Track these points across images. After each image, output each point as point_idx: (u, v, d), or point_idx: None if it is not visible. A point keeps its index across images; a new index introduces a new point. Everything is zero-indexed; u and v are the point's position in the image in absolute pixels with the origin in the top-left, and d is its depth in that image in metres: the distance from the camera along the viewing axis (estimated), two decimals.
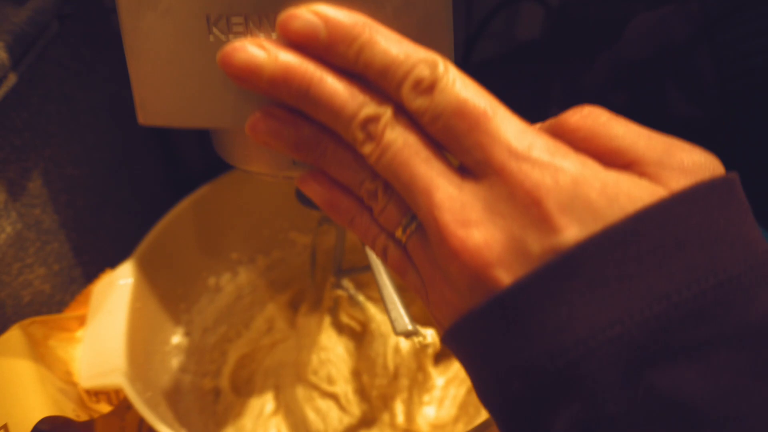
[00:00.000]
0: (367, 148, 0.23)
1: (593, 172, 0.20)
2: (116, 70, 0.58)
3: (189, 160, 0.68)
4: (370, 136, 0.22)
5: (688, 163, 0.21)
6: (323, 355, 0.53)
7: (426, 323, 0.47)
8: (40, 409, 0.35)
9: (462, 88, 0.21)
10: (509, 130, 0.21)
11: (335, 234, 0.46)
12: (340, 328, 0.52)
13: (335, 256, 0.46)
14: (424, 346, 0.41)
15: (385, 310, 0.37)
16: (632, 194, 0.20)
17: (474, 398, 0.49)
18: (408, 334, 0.37)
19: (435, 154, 0.22)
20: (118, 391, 0.41)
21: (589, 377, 0.19)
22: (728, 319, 0.19)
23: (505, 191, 0.20)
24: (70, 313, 0.45)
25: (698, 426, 0.18)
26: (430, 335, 0.40)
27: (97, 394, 0.41)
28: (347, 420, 0.50)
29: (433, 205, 0.21)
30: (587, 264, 0.19)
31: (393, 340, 0.48)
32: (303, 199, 0.38)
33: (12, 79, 0.40)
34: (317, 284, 0.53)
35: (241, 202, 0.53)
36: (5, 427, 0.34)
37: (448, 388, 0.50)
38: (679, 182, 0.20)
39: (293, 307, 0.57)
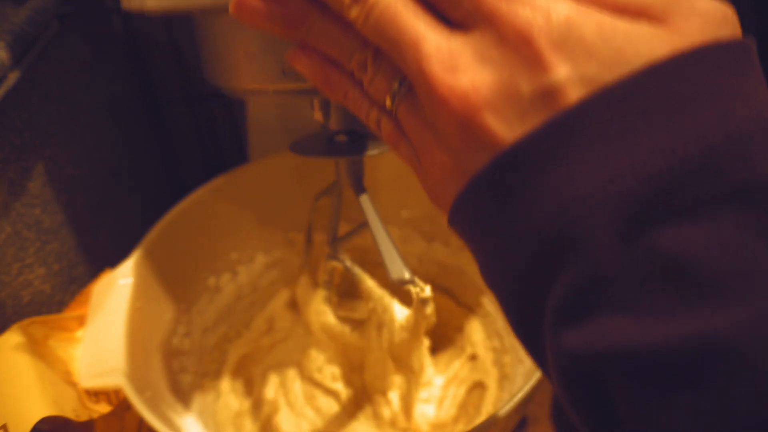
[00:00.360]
0: (354, 11, 0.22)
1: (588, 12, 0.19)
2: (116, 70, 0.58)
3: (189, 160, 0.68)
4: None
5: (699, 7, 0.20)
6: (323, 352, 0.53)
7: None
8: (39, 409, 0.35)
9: None
10: None
11: (331, 211, 0.46)
12: (340, 318, 0.52)
13: (330, 225, 0.45)
14: (422, 301, 0.40)
15: (382, 259, 0.36)
16: (630, 34, 0.19)
17: (474, 398, 0.49)
18: (404, 282, 0.36)
19: (422, 8, 0.22)
20: (117, 391, 0.41)
21: (587, 237, 0.18)
22: (737, 177, 0.18)
23: (495, 35, 0.20)
24: (69, 313, 0.45)
25: (700, 286, 0.17)
26: (428, 289, 0.40)
27: (96, 394, 0.41)
28: (348, 418, 0.50)
29: (421, 57, 0.21)
30: (590, 120, 0.18)
31: (390, 317, 0.47)
32: (296, 148, 0.37)
33: (12, 79, 0.40)
34: (313, 261, 0.52)
35: (241, 202, 0.53)
36: (5, 427, 0.34)
37: (448, 387, 0.50)
38: (687, 22, 0.19)
39: (293, 306, 0.57)
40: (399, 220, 0.55)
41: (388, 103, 0.24)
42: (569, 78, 0.19)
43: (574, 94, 0.19)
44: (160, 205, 0.50)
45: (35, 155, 0.44)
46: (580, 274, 0.18)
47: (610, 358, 0.18)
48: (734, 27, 0.20)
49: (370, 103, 0.25)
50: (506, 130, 0.20)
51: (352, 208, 0.42)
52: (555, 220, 0.19)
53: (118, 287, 0.44)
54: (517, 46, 0.19)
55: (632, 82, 0.18)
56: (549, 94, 0.19)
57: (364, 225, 0.39)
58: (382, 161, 0.49)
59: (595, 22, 0.19)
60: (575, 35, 0.19)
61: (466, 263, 0.54)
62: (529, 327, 0.21)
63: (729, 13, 0.20)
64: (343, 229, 0.46)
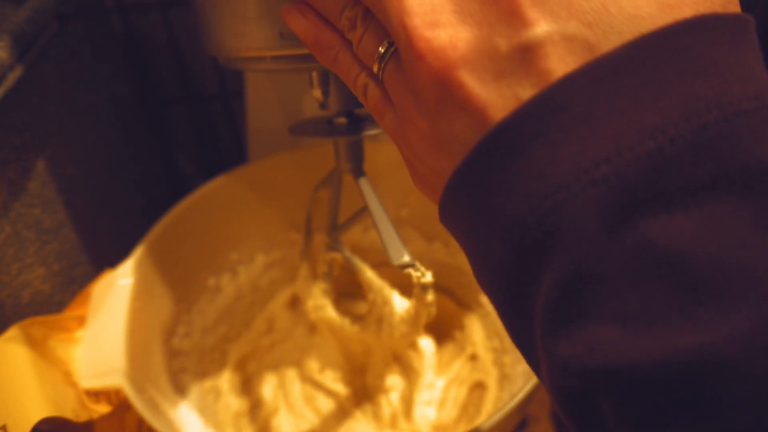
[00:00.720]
0: None
1: None
2: (116, 70, 0.58)
3: (189, 160, 0.68)
4: None
5: None
6: (324, 353, 0.53)
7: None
8: (39, 409, 0.35)
9: None
10: None
11: (330, 199, 0.45)
12: (340, 311, 0.51)
13: (330, 214, 0.45)
14: (423, 287, 0.40)
15: (382, 243, 0.36)
16: None
17: (474, 398, 0.49)
18: (405, 266, 0.36)
19: None
20: (117, 392, 0.41)
21: (570, 227, 0.17)
22: (733, 159, 0.16)
23: None
24: (69, 313, 0.45)
25: (696, 285, 0.16)
26: (429, 275, 0.39)
27: (96, 394, 0.41)
28: (347, 419, 0.49)
29: (403, 11, 0.20)
30: (573, 97, 0.17)
31: (390, 310, 0.47)
32: (295, 130, 0.37)
33: (12, 79, 0.40)
34: (313, 253, 0.52)
35: (241, 202, 0.53)
36: (4, 427, 0.34)
37: (449, 389, 0.50)
38: None
39: (293, 306, 0.57)
40: (399, 219, 0.55)
41: (375, 68, 0.24)
42: (548, 35, 0.18)
43: (553, 53, 0.18)
44: (160, 205, 0.50)
45: (35, 155, 0.44)
46: (565, 271, 0.17)
47: (601, 375, 0.16)
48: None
49: (359, 69, 0.25)
50: (481, 88, 0.19)
51: (351, 200, 0.42)
52: (536, 207, 0.17)
53: (118, 287, 0.44)
54: (499, 1, 0.19)
55: (620, 54, 0.17)
56: (527, 51, 0.18)
57: (363, 210, 0.39)
58: (382, 161, 0.49)
59: None
60: None
61: (465, 263, 0.54)
62: (521, 330, 0.20)
63: None
64: (344, 204, 0.45)
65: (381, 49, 0.23)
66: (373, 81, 0.25)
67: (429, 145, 0.21)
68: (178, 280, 0.50)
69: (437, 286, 0.54)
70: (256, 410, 0.51)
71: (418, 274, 0.38)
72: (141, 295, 0.45)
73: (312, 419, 0.50)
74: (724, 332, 0.15)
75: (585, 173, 0.17)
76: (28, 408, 0.35)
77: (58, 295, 0.47)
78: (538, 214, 0.17)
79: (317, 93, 0.36)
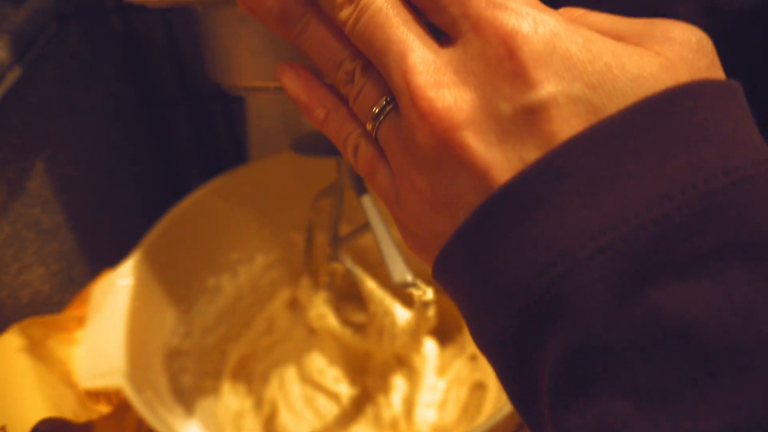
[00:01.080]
0: (345, 12, 0.22)
1: (576, 28, 0.19)
2: (116, 70, 0.58)
3: (189, 160, 0.68)
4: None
5: (674, 34, 0.19)
6: (324, 354, 0.53)
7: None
8: (39, 410, 0.35)
9: None
10: None
11: (331, 211, 0.45)
12: (341, 320, 0.52)
13: (331, 225, 0.45)
14: (424, 304, 0.40)
15: (384, 262, 0.36)
16: (616, 52, 0.18)
17: (475, 399, 0.49)
18: (406, 285, 0.36)
19: (413, 18, 0.21)
20: (117, 392, 0.41)
21: (578, 295, 0.16)
22: (742, 225, 0.16)
23: (479, 45, 0.19)
24: (69, 313, 0.45)
25: (710, 359, 0.15)
26: (430, 292, 0.39)
27: (96, 394, 0.41)
28: (348, 420, 0.49)
29: (407, 69, 0.20)
30: (578, 161, 0.17)
31: (391, 321, 0.47)
32: (298, 148, 0.37)
33: (11, 79, 0.40)
34: (314, 263, 0.52)
35: (241, 202, 0.53)
36: (4, 428, 0.34)
37: (450, 391, 0.50)
38: (663, 47, 0.19)
39: (293, 306, 0.56)
40: None
41: (369, 124, 0.23)
42: (553, 97, 0.18)
43: (557, 115, 0.18)
44: (160, 205, 0.50)
45: (34, 155, 0.44)
46: (573, 340, 0.17)
47: None
48: (711, 55, 0.19)
49: (351, 129, 0.24)
50: (485, 150, 0.19)
51: (353, 208, 0.42)
52: (542, 274, 0.17)
53: (118, 287, 0.44)
54: (500, 58, 0.18)
55: (624, 118, 0.17)
56: (531, 113, 0.18)
57: (365, 226, 0.39)
58: None
59: (582, 38, 0.18)
60: (561, 50, 0.18)
61: None
62: (523, 394, 0.19)
63: (704, 41, 0.19)
64: (345, 230, 0.45)
65: (378, 107, 0.22)
66: (366, 139, 0.24)
67: (428, 205, 0.21)
68: (178, 280, 0.50)
69: (437, 286, 0.54)
70: (255, 411, 0.51)
71: (420, 292, 0.38)
72: (141, 295, 0.45)
73: (312, 420, 0.50)
74: (743, 414, 0.15)
75: (591, 240, 0.16)
76: (28, 408, 0.35)
77: (58, 295, 0.47)
78: (545, 281, 0.17)
79: None
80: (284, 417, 0.50)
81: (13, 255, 0.42)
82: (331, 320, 0.50)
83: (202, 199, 0.50)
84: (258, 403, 0.51)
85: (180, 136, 0.67)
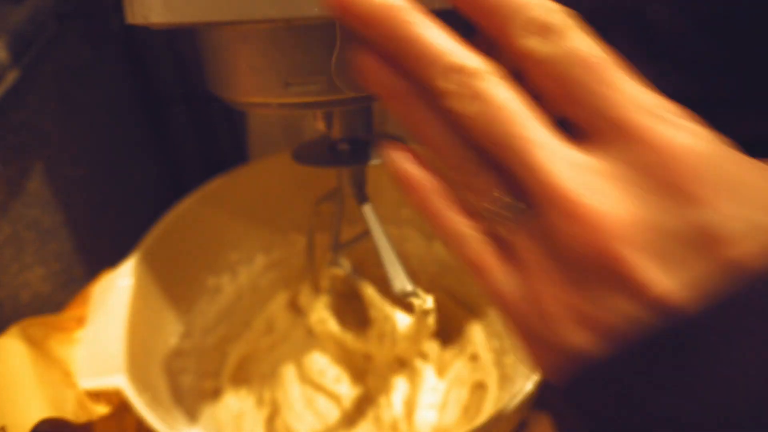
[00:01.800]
0: (465, 105, 0.20)
1: (722, 146, 0.17)
2: (116, 70, 0.58)
3: (189, 160, 0.68)
4: (470, 90, 0.20)
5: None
6: (324, 354, 0.53)
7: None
8: (38, 410, 0.35)
9: (587, 37, 0.19)
10: (633, 86, 0.18)
11: (332, 217, 0.45)
12: (341, 322, 0.52)
13: (332, 231, 0.45)
14: (424, 313, 0.40)
15: (384, 270, 0.36)
16: (755, 171, 0.17)
17: (476, 400, 0.49)
18: (406, 295, 0.36)
19: (543, 114, 0.19)
20: (117, 392, 0.41)
21: None
22: None
23: (632, 153, 0.18)
24: (69, 313, 0.45)
25: None
26: (430, 301, 0.39)
27: (96, 394, 0.41)
28: (348, 422, 0.49)
29: (549, 172, 0.18)
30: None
31: (391, 326, 0.47)
32: (298, 157, 0.37)
33: (11, 79, 0.40)
34: (315, 267, 0.52)
35: (241, 202, 0.53)
36: (4, 428, 0.34)
37: (450, 392, 0.50)
38: None
39: (293, 307, 0.56)
40: (398, 219, 0.55)
41: (494, 218, 0.21)
42: (730, 219, 0.16)
43: (732, 238, 0.16)
44: (160, 205, 0.50)
45: (34, 155, 0.44)
46: None
47: None
48: None
49: (463, 217, 0.22)
50: (649, 267, 0.17)
51: (354, 210, 0.42)
52: (722, 422, 0.15)
53: (118, 288, 0.44)
54: (658, 168, 0.17)
55: None
56: (703, 233, 0.16)
57: (366, 234, 0.39)
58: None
59: (732, 156, 0.17)
60: (724, 168, 0.17)
61: None
62: None
63: None
64: (346, 230, 0.45)
65: (506, 200, 0.20)
66: (480, 233, 0.22)
67: (568, 316, 0.19)
68: (178, 280, 0.50)
69: (437, 286, 0.54)
70: (256, 411, 0.51)
71: (420, 301, 0.38)
72: (141, 295, 0.45)
73: (312, 421, 0.50)
74: None
75: None
76: (28, 409, 0.35)
77: (58, 295, 0.47)
78: (723, 429, 0.15)
79: (320, 125, 0.36)
80: (285, 418, 0.50)
81: (13, 255, 0.42)
82: (332, 325, 0.50)
83: (202, 199, 0.50)
84: (258, 404, 0.51)
85: (180, 136, 0.67)
